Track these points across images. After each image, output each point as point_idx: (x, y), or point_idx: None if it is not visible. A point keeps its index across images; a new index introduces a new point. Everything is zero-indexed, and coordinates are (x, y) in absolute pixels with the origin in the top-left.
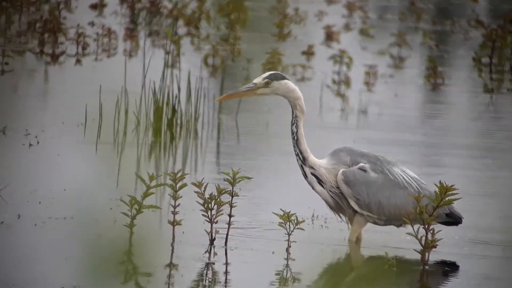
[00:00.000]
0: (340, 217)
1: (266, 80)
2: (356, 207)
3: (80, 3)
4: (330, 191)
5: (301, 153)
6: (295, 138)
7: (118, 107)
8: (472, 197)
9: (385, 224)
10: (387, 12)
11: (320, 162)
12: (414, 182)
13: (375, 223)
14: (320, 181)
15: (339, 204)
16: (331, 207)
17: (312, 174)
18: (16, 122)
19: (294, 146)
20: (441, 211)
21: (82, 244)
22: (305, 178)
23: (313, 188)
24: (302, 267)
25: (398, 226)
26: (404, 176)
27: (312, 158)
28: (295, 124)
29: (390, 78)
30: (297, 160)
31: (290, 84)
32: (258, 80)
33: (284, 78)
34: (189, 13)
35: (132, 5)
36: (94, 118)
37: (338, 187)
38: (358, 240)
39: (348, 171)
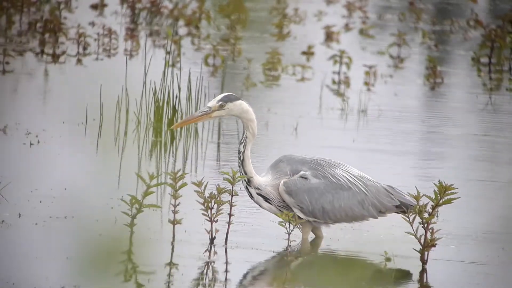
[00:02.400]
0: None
1: (220, 102)
2: (301, 215)
3: (80, 3)
4: (278, 206)
5: (245, 174)
6: (241, 158)
7: (119, 107)
8: (471, 195)
9: (335, 223)
10: (387, 12)
11: (265, 180)
12: (358, 181)
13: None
14: (267, 199)
15: None
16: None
17: (258, 194)
18: (16, 122)
19: (239, 166)
20: (389, 204)
21: (83, 244)
22: (251, 198)
23: (260, 206)
24: (302, 266)
25: (349, 222)
26: (348, 177)
27: (257, 179)
28: (243, 144)
29: (389, 78)
30: (242, 182)
31: (244, 104)
32: (212, 103)
33: (238, 99)
34: (190, 13)
35: (132, 5)
36: (94, 117)
37: (283, 200)
38: (318, 237)
39: (289, 181)
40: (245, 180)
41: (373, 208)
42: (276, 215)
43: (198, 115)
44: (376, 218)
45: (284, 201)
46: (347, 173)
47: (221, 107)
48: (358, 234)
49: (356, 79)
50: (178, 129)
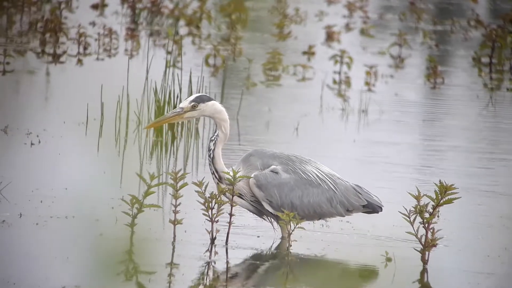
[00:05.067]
0: (264, 219)
1: (192, 103)
2: (270, 209)
3: (81, 3)
4: (251, 201)
5: (216, 172)
6: (211, 156)
7: (120, 107)
8: (471, 195)
9: (302, 219)
10: (388, 12)
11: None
12: (327, 179)
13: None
14: (240, 195)
15: (259, 209)
16: (253, 213)
17: None
18: (17, 122)
19: (209, 164)
20: (357, 203)
21: (84, 244)
22: (223, 195)
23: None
24: (303, 266)
25: (317, 219)
26: (318, 174)
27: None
28: (214, 142)
29: (390, 78)
30: (213, 179)
31: (217, 105)
32: (184, 104)
33: (210, 99)
34: (190, 13)
35: (133, 5)
36: (95, 117)
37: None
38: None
39: (260, 174)
40: (216, 177)
41: (341, 206)
42: (248, 210)
43: (170, 115)
44: (343, 216)
45: (254, 196)
46: (317, 170)
47: (193, 107)
48: (358, 234)
49: (357, 79)
50: (179, 128)
